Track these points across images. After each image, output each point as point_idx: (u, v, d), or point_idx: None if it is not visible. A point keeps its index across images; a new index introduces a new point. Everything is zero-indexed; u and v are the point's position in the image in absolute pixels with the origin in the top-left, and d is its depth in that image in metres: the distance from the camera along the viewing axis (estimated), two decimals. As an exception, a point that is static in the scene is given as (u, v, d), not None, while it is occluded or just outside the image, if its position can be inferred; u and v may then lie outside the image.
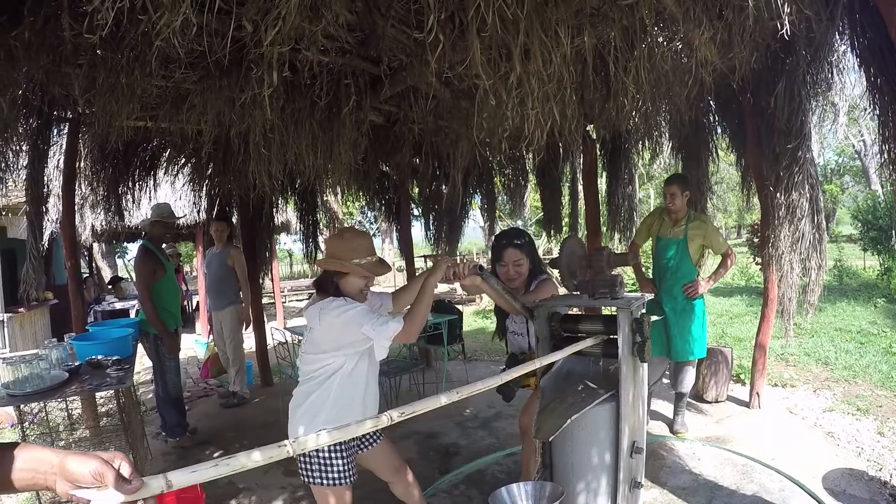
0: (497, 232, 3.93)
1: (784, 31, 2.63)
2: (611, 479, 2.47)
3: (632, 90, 2.91)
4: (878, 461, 3.85)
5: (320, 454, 2.42)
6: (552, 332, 2.65)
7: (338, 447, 2.42)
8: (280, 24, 2.27)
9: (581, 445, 2.47)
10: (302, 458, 2.43)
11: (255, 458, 1.16)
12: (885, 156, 2.91)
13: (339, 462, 2.42)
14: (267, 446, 1.21)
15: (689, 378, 4.50)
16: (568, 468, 2.54)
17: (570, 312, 2.77)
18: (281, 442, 1.25)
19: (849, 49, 3.33)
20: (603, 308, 3.31)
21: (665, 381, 5.34)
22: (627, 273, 9.75)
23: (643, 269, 4.97)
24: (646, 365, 2.56)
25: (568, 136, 2.96)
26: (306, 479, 2.45)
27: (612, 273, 2.53)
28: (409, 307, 2.45)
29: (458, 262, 2.49)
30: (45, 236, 5.86)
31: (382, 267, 2.51)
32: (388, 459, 2.73)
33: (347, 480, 2.44)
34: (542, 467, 2.71)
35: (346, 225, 19.66)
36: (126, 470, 0.96)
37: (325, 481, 2.41)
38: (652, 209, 5.28)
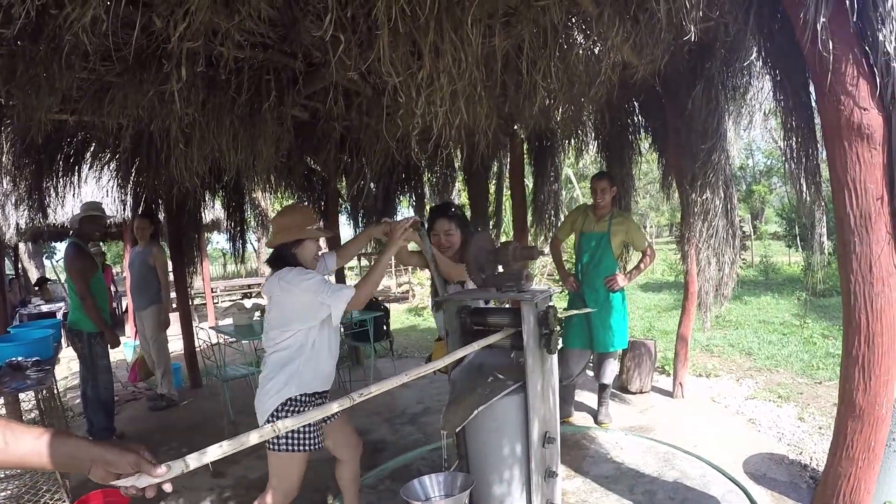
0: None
1: (690, 36, 2.72)
2: (524, 469, 2.53)
3: (542, 90, 2.96)
4: (799, 445, 4.01)
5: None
6: (462, 325, 2.70)
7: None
8: (190, 19, 2.25)
9: (493, 436, 2.52)
10: None
11: (253, 438, 1.38)
12: (789, 155, 3.05)
13: (310, 430, 2.59)
14: (258, 428, 1.43)
15: (611, 369, 4.62)
16: (482, 459, 2.59)
17: (480, 306, 2.83)
18: (265, 426, 1.47)
19: (757, 52, 3.47)
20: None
21: (589, 372, 5.46)
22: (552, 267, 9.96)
23: (564, 264, 5.07)
24: (555, 356, 2.63)
25: (482, 134, 3.00)
26: (272, 448, 2.56)
27: (518, 267, 2.59)
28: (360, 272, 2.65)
29: (400, 222, 2.73)
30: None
31: (330, 231, 2.74)
32: (348, 436, 2.93)
33: (312, 447, 2.60)
34: (458, 458, 2.75)
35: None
36: (149, 457, 1.18)
37: (292, 448, 2.56)
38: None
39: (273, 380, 2.58)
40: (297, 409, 2.57)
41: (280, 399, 2.56)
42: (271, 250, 2.74)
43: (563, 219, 5.58)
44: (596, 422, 4.63)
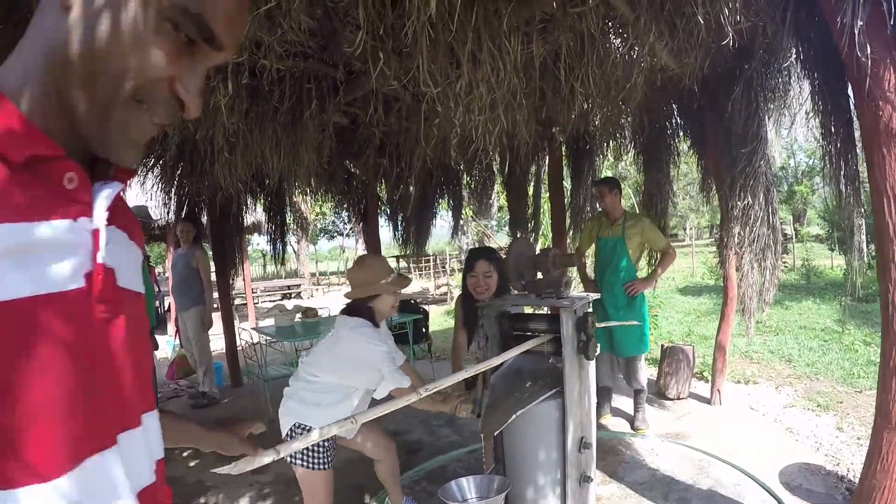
0: (463, 235, 4.06)
1: (728, 40, 2.72)
2: (560, 473, 2.55)
3: (581, 96, 2.98)
4: (836, 456, 3.93)
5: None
6: (501, 330, 2.73)
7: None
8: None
9: (530, 440, 2.54)
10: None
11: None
12: (828, 160, 3.01)
13: (323, 450, 2.67)
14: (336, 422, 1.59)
15: (642, 374, 4.60)
16: (518, 462, 2.61)
17: (520, 312, 2.86)
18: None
19: (796, 56, 3.43)
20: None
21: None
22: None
23: (586, 271, 5.09)
24: (593, 362, 2.64)
25: (521, 140, 3.03)
26: (290, 461, 2.64)
27: (558, 273, 2.61)
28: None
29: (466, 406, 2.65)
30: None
31: (405, 280, 2.78)
32: (378, 437, 3.05)
33: (326, 465, 2.68)
34: (495, 461, 2.78)
35: (317, 226, 19.77)
36: (251, 448, 1.25)
37: (309, 466, 2.64)
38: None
39: (298, 403, 2.70)
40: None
41: (293, 421, 2.68)
42: (348, 301, 2.78)
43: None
44: (633, 428, 4.62)
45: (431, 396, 2.57)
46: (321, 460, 2.66)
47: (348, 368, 2.63)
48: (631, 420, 4.72)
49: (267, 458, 1.25)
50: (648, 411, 4.74)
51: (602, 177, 5.19)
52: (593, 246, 4.78)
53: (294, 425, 2.67)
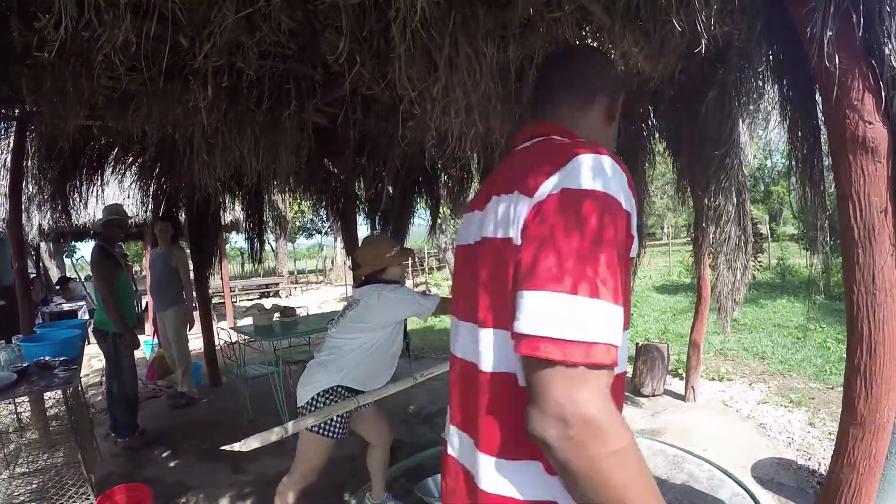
0: (441, 233, 4.13)
1: (702, 48, 2.77)
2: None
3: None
4: (808, 451, 4.05)
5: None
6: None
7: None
8: (215, 39, 2.34)
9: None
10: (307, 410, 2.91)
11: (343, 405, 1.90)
12: (794, 163, 3.08)
13: (340, 421, 2.88)
14: (343, 401, 2.05)
15: None
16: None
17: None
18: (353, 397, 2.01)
19: (766, 63, 3.50)
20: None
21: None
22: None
23: None
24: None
25: (497, 141, 3.06)
26: (308, 428, 2.85)
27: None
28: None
29: None
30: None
31: (407, 252, 3.33)
32: (381, 421, 3.31)
33: (340, 436, 2.90)
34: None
35: (295, 224, 19.79)
36: None
37: (323, 433, 2.84)
38: None
39: (327, 366, 2.91)
40: (336, 399, 2.86)
41: (327, 385, 2.87)
42: (362, 278, 3.13)
43: None
44: None
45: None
46: (337, 430, 2.87)
47: (388, 319, 2.96)
48: None
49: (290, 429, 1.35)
50: (623, 409, 4.79)
51: None
52: None
53: (320, 392, 2.86)
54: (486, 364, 1.09)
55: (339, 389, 2.89)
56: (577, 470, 0.86)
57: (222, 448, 1.27)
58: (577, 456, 0.85)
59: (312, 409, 2.85)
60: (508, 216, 1.05)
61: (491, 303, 1.08)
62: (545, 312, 0.89)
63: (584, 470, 0.85)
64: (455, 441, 1.22)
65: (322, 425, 2.82)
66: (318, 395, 2.86)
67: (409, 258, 3.19)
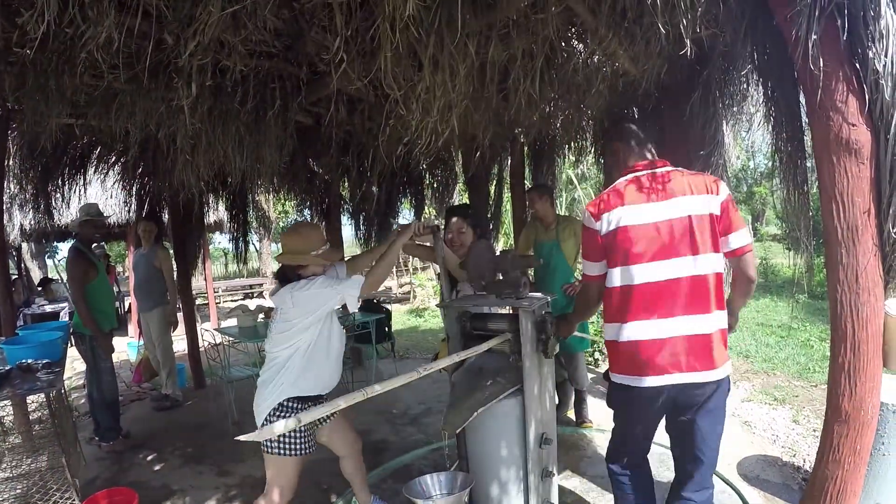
0: None
1: (687, 50, 2.78)
2: (521, 469, 2.60)
3: (542, 99, 3.02)
4: (793, 448, 4.07)
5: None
6: (462, 329, 2.77)
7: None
8: (200, 37, 2.32)
9: (492, 437, 2.59)
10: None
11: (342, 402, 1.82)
12: (778, 164, 3.11)
13: (300, 436, 2.70)
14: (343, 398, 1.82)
15: (581, 373, 4.61)
16: (481, 459, 2.66)
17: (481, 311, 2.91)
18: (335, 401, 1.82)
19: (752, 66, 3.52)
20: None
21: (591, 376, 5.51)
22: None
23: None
24: (552, 360, 2.70)
25: (480, 141, 3.05)
26: (265, 449, 2.71)
27: (517, 274, 2.66)
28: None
29: (421, 222, 3.04)
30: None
31: (336, 252, 2.90)
32: (345, 432, 3.06)
33: (303, 452, 2.73)
34: (459, 458, 2.83)
35: (279, 224, 19.65)
36: None
37: (283, 452, 2.68)
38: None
39: (271, 383, 2.70)
40: (289, 414, 2.67)
41: (275, 402, 2.68)
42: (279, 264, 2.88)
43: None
44: (577, 423, 4.67)
45: (391, 247, 2.93)
46: (299, 446, 2.70)
47: (311, 317, 2.68)
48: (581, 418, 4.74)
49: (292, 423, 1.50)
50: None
51: (534, 185, 5.35)
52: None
53: (270, 412, 2.69)
54: (709, 269, 2.16)
55: (289, 403, 2.69)
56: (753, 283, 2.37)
57: (237, 438, 1.29)
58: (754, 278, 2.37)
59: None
60: (709, 204, 2.18)
61: (702, 241, 2.14)
62: (746, 235, 2.22)
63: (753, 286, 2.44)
64: (668, 326, 2.20)
65: (280, 443, 2.67)
66: (269, 415, 2.69)
67: (335, 260, 2.99)
